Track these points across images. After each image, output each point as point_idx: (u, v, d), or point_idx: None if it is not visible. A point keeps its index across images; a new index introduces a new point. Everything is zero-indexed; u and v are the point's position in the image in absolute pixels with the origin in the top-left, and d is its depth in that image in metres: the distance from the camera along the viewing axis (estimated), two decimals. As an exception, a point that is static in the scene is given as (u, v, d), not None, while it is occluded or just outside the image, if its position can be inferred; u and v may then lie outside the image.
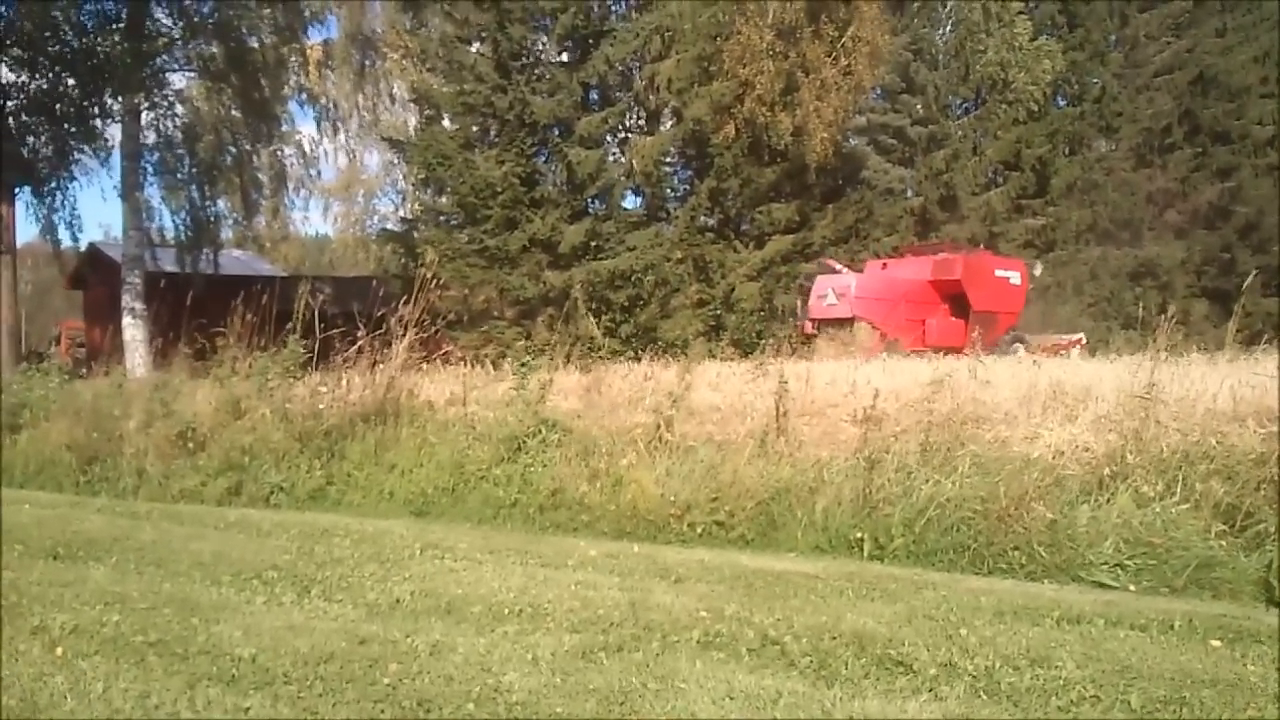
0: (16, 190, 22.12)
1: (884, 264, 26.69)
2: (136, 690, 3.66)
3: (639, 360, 12.75)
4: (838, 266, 26.13)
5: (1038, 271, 27.35)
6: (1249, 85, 35.34)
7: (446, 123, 26.34)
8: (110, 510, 8.01)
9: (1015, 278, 25.57)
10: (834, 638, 4.35)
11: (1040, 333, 25.35)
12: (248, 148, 26.66)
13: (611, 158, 27.21)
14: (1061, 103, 36.90)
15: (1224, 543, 5.84)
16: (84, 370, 17.29)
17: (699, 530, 7.02)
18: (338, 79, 30.44)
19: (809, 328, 24.38)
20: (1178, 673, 3.97)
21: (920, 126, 34.40)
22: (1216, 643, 4.39)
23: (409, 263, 24.31)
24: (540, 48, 25.62)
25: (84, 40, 21.47)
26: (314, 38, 29.55)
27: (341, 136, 34.28)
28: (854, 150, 33.19)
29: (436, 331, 12.52)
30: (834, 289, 24.50)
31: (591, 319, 22.60)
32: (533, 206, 24.38)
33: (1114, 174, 35.60)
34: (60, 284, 37.89)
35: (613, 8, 28.60)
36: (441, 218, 26.35)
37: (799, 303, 26.45)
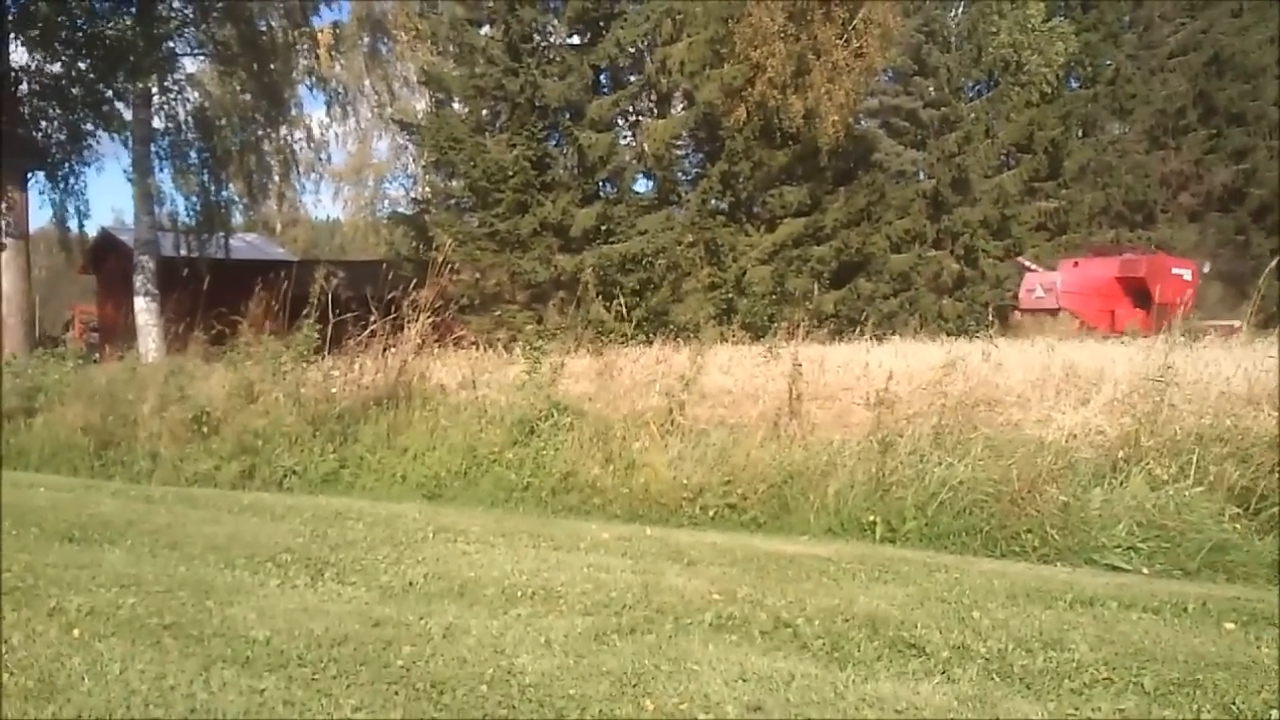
0: (29, 175, 22.13)
1: (1075, 263, 30.24)
2: (152, 672, 3.68)
3: (650, 344, 12.75)
4: (1031, 265, 30.66)
5: (1206, 269, 30.21)
6: (1264, 66, 34.99)
7: (457, 106, 26.29)
8: (125, 494, 8.05)
9: (1187, 274, 29.05)
10: (846, 620, 4.36)
11: (1205, 320, 27.37)
12: (259, 132, 26.65)
13: (623, 141, 27.14)
14: (1075, 84, 36.66)
15: (1238, 526, 5.84)
16: (97, 355, 17.37)
17: (711, 513, 7.04)
18: (348, 62, 30.36)
19: (1019, 316, 28.63)
20: (1191, 655, 3.96)
21: (932, 109, 34.13)
22: (1230, 625, 4.38)
23: (420, 246, 24.34)
24: (551, 30, 25.53)
25: (96, 23, 21.43)
26: (324, 20, 29.53)
27: (352, 121, 34.21)
28: (866, 133, 32.91)
29: (448, 315, 12.52)
30: (1041, 284, 29.34)
31: (603, 303, 22.56)
32: (544, 190, 24.35)
33: (1127, 156, 35.37)
34: (73, 269, 37.96)
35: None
36: (452, 201, 26.33)
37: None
